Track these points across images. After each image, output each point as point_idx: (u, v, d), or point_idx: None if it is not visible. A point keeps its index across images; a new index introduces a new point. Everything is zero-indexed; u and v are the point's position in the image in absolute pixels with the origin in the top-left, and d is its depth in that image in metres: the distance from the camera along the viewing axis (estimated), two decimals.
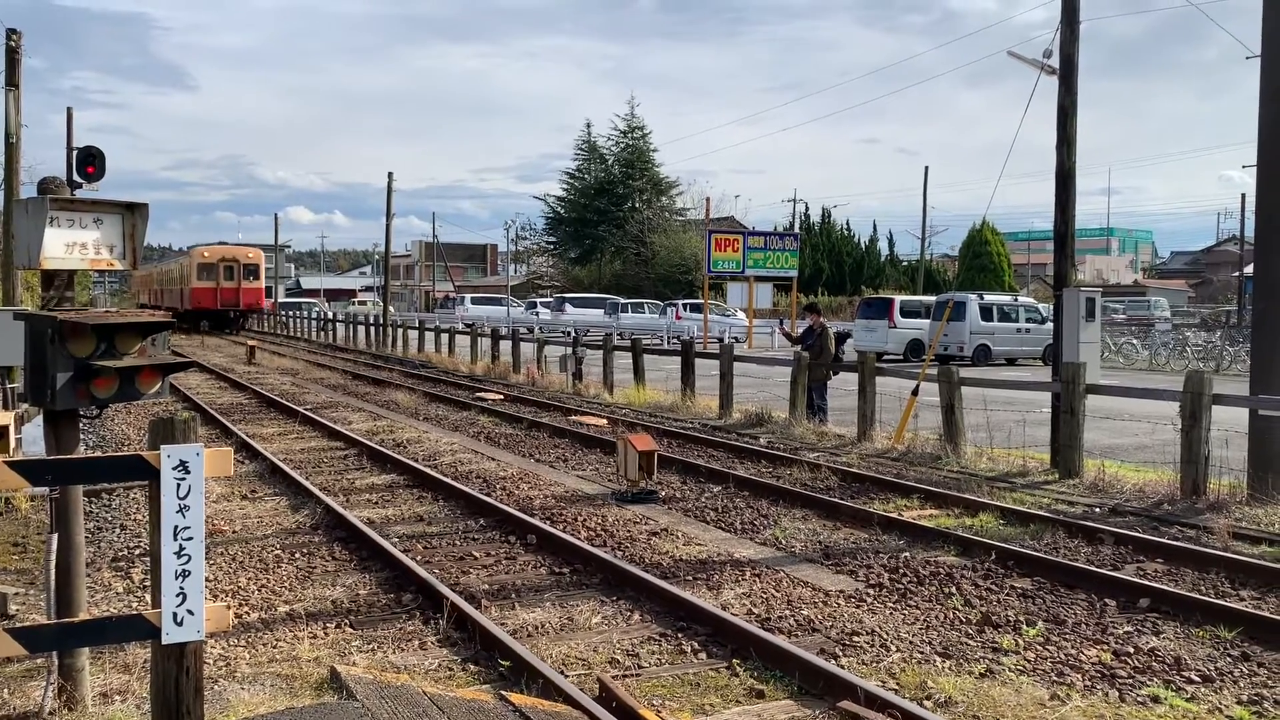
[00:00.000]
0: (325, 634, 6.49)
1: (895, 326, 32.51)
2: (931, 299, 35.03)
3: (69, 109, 23.60)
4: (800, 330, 18.09)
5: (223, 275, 50.04)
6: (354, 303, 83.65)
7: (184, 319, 49.86)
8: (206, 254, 51.16)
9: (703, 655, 6.11)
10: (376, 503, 10.50)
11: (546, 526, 9.01)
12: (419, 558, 8.20)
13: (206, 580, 4.69)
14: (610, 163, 73.93)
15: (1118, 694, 5.54)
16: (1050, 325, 18.28)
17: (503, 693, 5.25)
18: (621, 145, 73.85)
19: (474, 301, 57.55)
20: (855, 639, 6.35)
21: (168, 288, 57.77)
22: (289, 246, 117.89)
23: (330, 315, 52.75)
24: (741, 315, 42.99)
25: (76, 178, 17.66)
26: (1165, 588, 7.25)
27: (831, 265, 66.57)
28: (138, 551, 8.33)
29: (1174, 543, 8.54)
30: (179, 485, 3.89)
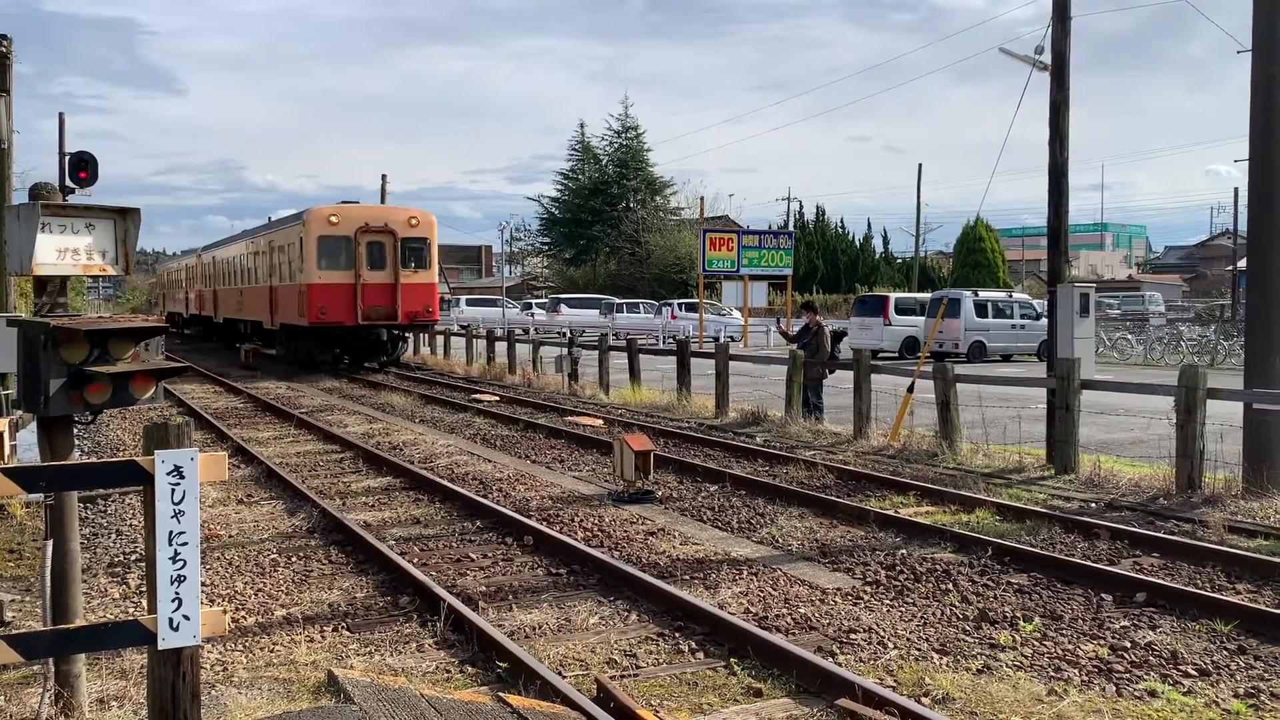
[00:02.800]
0: (322, 637, 6.49)
1: (890, 324, 32.54)
2: (926, 296, 35.08)
3: (60, 114, 23.64)
4: (796, 329, 18.11)
5: (365, 259, 26.20)
6: None
7: (290, 344, 28.41)
8: (335, 219, 26.29)
9: (700, 655, 6.11)
10: (373, 506, 10.49)
11: (543, 528, 9.00)
12: (416, 560, 8.19)
13: (203, 585, 4.68)
14: (604, 162, 73.96)
15: (1115, 688, 5.55)
16: (1045, 321, 18.32)
17: (500, 694, 5.25)
18: (615, 145, 73.91)
19: (469, 303, 57.28)
20: (853, 636, 6.35)
21: (242, 289, 34.18)
22: None
23: None
24: (737, 314, 43.01)
25: (69, 183, 17.67)
26: (1161, 582, 7.26)
27: (826, 263, 66.59)
28: (134, 557, 8.32)
29: (1170, 537, 8.55)
30: (173, 490, 3.88)
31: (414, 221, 27.11)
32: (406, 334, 29.05)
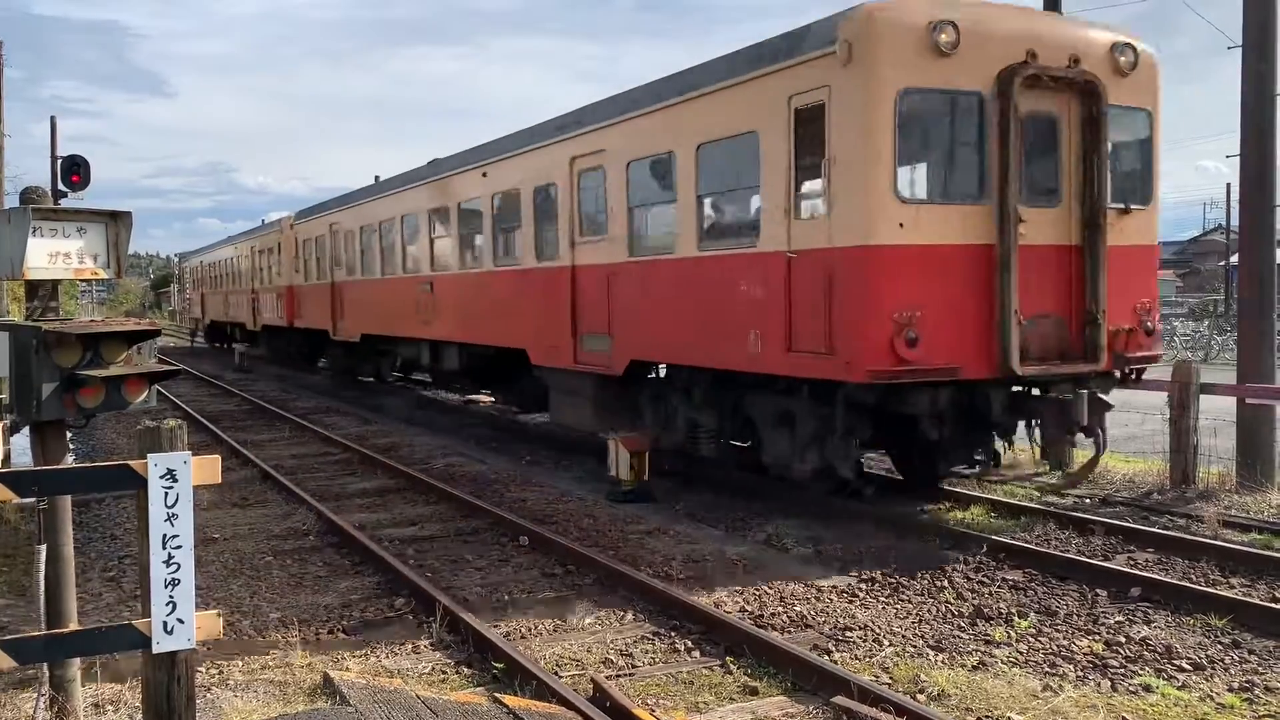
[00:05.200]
0: (318, 640, 6.48)
1: None
2: None
3: (52, 118, 23.49)
4: None
5: (1021, 170, 8.16)
6: None
7: (676, 412, 10.83)
8: (948, 34, 7.90)
9: (696, 653, 6.11)
10: (368, 508, 10.48)
11: (538, 528, 9.00)
12: (411, 562, 8.18)
13: (198, 588, 4.65)
14: None
15: (1110, 683, 5.56)
16: None
17: (496, 695, 5.25)
18: None
19: None
20: (848, 634, 6.36)
21: (434, 278, 16.00)
22: None
23: None
24: None
25: (62, 186, 17.62)
26: (1156, 577, 7.28)
27: None
28: (128, 561, 8.30)
29: (1164, 532, 8.57)
30: (167, 494, 3.88)
31: (1125, 62, 9.19)
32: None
